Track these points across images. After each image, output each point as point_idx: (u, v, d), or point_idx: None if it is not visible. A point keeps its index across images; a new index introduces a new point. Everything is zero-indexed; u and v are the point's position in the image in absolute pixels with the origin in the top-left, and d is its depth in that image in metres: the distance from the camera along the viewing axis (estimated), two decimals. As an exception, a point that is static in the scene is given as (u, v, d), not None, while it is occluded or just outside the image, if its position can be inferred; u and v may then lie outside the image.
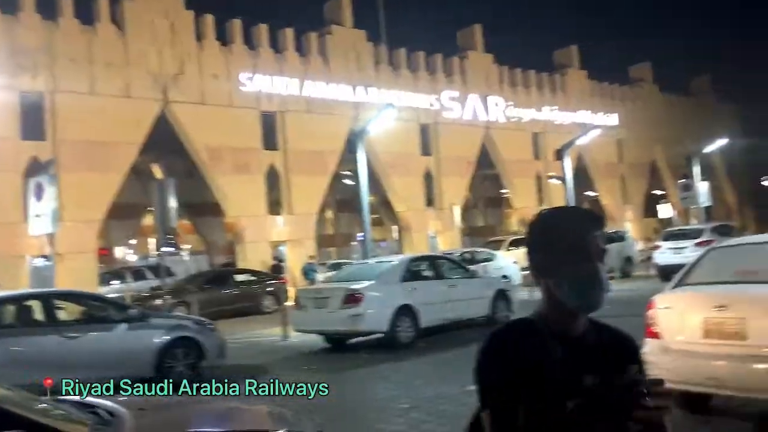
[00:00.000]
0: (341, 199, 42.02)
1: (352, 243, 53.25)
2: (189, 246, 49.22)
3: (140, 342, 9.17)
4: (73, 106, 21.25)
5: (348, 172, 38.34)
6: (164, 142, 25.47)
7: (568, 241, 1.66)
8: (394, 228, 39.29)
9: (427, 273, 12.89)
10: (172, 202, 12.84)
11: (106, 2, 22.56)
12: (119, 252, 44.24)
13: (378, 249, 48.13)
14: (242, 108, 25.32)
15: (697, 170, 27.25)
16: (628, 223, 42.17)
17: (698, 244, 18.80)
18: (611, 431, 1.60)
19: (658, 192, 45.64)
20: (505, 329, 1.75)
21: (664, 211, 42.94)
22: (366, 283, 11.47)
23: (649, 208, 44.68)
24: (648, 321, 5.75)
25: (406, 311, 11.53)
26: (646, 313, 5.83)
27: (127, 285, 26.93)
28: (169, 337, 9.38)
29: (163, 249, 15.54)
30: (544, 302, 1.73)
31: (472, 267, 19.30)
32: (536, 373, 1.63)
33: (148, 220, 48.09)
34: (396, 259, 12.86)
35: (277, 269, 25.23)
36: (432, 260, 13.52)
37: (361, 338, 12.12)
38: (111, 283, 26.69)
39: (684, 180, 27.69)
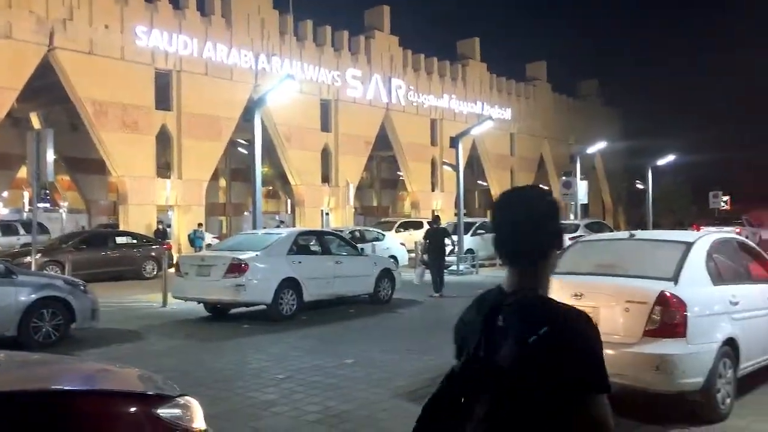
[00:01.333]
0: (236, 168, 41.14)
1: (245, 213, 52.34)
2: (67, 203, 46.53)
3: (3, 299, 8.66)
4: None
5: (244, 141, 37.65)
6: (47, 91, 23.92)
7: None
8: (289, 201, 39.03)
9: (314, 248, 12.96)
10: (50, 155, 12.11)
11: (-11, -68, 20.74)
12: (-10, 206, 41.16)
13: (271, 221, 47.77)
14: (135, 63, 24.12)
15: (578, 169, 28.87)
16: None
17: (571, 239, 20.01)
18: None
19: (545, 187, 48.03)
20: (486, 292, 1.82)
21: (548, 205, 45.14)
22: (251, 254, 11.37)
23: (535, 202, 46.82)
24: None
25: (290, 284, 11.56)
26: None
27: (-6, 240, 25.20)
28: (35, 296, 8.93)
29: (39, 204, 14.60)
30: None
31: (360, 245, 19.67)
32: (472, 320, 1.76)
33: (23, 173, 44.98)
34: (284, 232, 12.81)
35: (162, 234, 24.41)
36: (320, 236, 13.59)
37: (243, 309, 12.05)
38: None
39: (565, 177, 29.26)
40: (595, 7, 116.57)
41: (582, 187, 29.16)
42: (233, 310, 12.13)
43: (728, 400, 5.64)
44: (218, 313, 12.00)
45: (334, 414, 5.90)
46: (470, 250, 23.07)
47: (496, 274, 18.29)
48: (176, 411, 3.27)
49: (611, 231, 27.95)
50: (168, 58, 25.20)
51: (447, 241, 15.48)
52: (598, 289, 5.74)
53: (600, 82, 54.99)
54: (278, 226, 27.06)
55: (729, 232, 31.80)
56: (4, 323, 8.66)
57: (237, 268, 10.98)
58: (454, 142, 21.55)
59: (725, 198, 44.60)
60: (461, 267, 21.16)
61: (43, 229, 28.07)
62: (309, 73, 30.19)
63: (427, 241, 15.31)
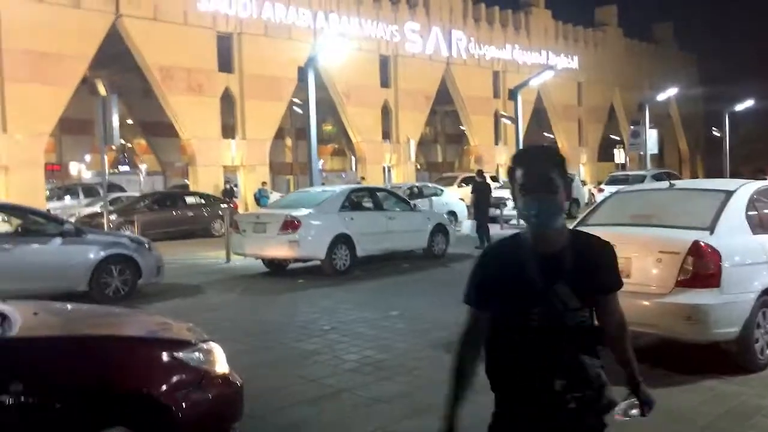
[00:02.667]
0: (301, 128, 41.38)
1: (318, 170, 53.24)
2: (146, 166, 48.54)
3: (74, 257, 9.30)
4: (18, 16, 20.42)
5: (300, 102, 38.09)
6: (120, 58, 24.80)
7: (519, 176, 2.08)
8: (353, 158, 39.36)
9: (367, 204, 13.17)
10: (115, 120, 12.70)
11: None
12: (74, 168, 43.40)
13: (337, 179, 48.43)
14: (197, 27, 24.67)
15: (647, 117, 27.80)
16: (582, 166, 43.06)
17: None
18: (564, 340, 2.08)
19: (616, 137, 46.50)
20: (496, 244, 2.22)
21: (619, 156, 43.87)
22: (305, 211, 11.69)
23: (606, 153, 45.61)
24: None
25: (343, 240, 11.84)
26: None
27: (78, 201, 26.67)
28: (104, 254, 9.52)
29: (119, 167, 15.37)
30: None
31: (419, 201, 19.78)
32: (513, 281, 2.09)
33: (102, 138, 47.20)
34: (337, 189, 13.07)
35: (230, 193, 25.24)
36: (373, 192, 13.77)
37: (299, 264, 12.46)
38: (62, 198, 26.40)
39: (633, 126, 28.25)
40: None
41: (651, 136, 28.11)
42: (290, 266, 12.56)
43: (768, 351, 5.54)
44: (276, 268, 12.45)
45: (371, 363, 6.15)
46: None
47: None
48: (197, 355, 3.55)
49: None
50: (228, 21, 25.63)
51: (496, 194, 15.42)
52: (631, 240, 5.68)
53: (675, 25, 52.25)
54: (359, 182, 27.35)
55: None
56: (76, 279, 9.31)
57: (290, 224, 11.32)
58: (512, 94, 21.17)
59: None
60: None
61: (122, 191, 29.62)
62: (367, 29, 30.04)
63: (474, 195, 15.37)
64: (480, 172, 16.69)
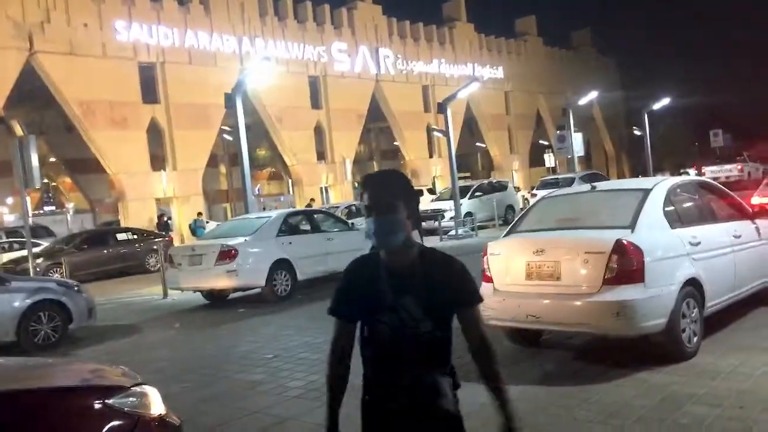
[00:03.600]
0: (234, 154, 41.01)
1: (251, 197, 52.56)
2: (73, 204, 46.89)
3: (-2, 307, 8.89)
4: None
5: (229, 128, 37.65)
6: (37, 95, 24.00)
7: (365, 199, 2.32)
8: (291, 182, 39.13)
9: (304, 227, 13.09)
10: (35, 160, 12.25)
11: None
12: (-4, 212, 41.55)
13: (276, 203, 47.97)
14: (117, 59, 24.13)
15: (571, 121, 28.73)
16: (514, 172, 44.08)
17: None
18: (407, 345, 2.26)
19: (545, 143, 47.83)
20: (358, 259, 2.45)
21: (549, 160, 45.12)
22: (241, 239, 11.54)
23: (537, 158, 46.82)
24: (482, 266, 6.27)
25: (282, 265, 11.73)
26: (482, 259, 6.35)
27: (2, 249, 25.50)
28: (30, 301, 9.13)
29: (45, 208, 14.67)
30: None
31: (358, 220, 19.78)
32: (367, 294, 2.31)
33: (25, 179, 45.37)
34: (273, 214, 12.95)
35: (165, 226, 24.67)
36: (309, 214, 13.72)
37: (240, 293, 12.26)
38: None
39: (559, 131, 29.15)
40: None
41: (577, 140, 29.06)
42: (231, 295, 12.35)
43: (695, 339, 5.76)
44: (216, 299, 12.21)
45: (316, 388, 6.07)
46: (469, 213, 23.18)
47: (495, 235, 18.39)
48: (131, 400, 3.44)
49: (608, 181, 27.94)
50: (150, 51, 25.20)
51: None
52: (558, 244, 5.85)
53: (592, 31, 54.34)
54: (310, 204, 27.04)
55: (730, 170, 31.62)
56: (2, 329, 8.89)
57: (227, 254, 11.15)
58: (441, 108, 21.51)
59: (726, 136, 44.30)
60: (460, 231, 21.30)
61: (48, 233, 28.49)
62: (293, 51, 30.09)
63: None
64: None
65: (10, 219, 40.31)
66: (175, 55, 25.83)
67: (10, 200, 42.47)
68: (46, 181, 48.19)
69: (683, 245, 5.81)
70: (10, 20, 21.41)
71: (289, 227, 12.54)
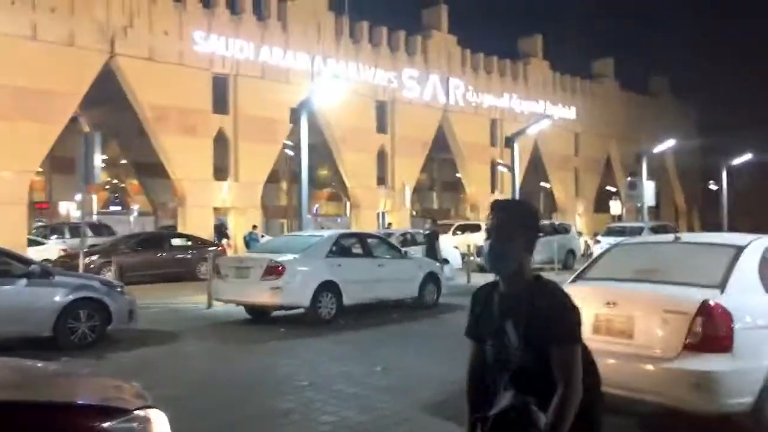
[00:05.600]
0: (296, 171, 41.37)
1: (308, 216, 52.86)
2: (138, 206, 48.11)
3: (39, 300, 8.76)
4: (11, 52, 20.24)
5: (291, 144, 37.85)
6: (114, 97, 24.60)
7: (488, 224, 2.41)
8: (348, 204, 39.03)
9: (355, 250, 12.68)
10: (97, 159, 12.32)
11: (53, -55, 21.50)
12: (63, 207, 42.98)
13: (332, 224, 48.00)
14: (193, 68, 24.55)
15: (644, 169, 27.58)
16: (578, 216, 42.76)
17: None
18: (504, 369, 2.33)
19: (612, 189, 46.32)
20: (481, 286, 2.55)
21: (615, 207, 43.63)
22: (290, 256, 11.20)
23: (602, 204, 45.36)
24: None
25: (329, 287, 11.31)
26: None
27: (63, 241, 26.13)
28: (72, 297, 8.98)
29: (111, 207, 14.84)
30: None
31: (412, 248, 19.27)
32: (482, 316, 2.44)
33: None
34: (325, 234, 12.59)
35: (223, 235, 24.66)
36: (362, 237, 13.29)
37: (283, 312, 11.89)
38: (48, 238, 25.86)
39: (630, 178, 28.02)
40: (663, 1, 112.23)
41: (649, 188, 27.86)
42: (274, 313, 11.99)
43: (785, 424, 4.99)
44: (258, 315, 11.87)
45: (348, 425, 5.57)
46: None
47: (553, 280, 17.52)
48: (131, 425, 3.01)
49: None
50: (225, 63, 25.56)
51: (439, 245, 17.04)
52: (633, 297, 5.20)
53: (671, 78, 52.71)
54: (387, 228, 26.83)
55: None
56: (40, 324, 8.75)
57: (274, 270, 10.81)
58: (509, 142, 20.94)
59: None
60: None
61: (110, 232, 29.09)
62: (364, 74, 30.06)
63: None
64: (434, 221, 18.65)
65: (76, 215, 41.62)
66: (248, 69, 26.14)
67: (78, 197, 43.88)
68: (115, 181, 49.82)
69: (780, 314, 5.06)
70: (94, 22, 22.08)
71: (340, 249, 12.15)
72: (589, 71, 45.68)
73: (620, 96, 46.02)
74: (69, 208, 42.46)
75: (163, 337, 9.91)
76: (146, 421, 3.09)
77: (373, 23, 31.45)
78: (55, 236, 26.37)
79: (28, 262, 9.27)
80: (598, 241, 23.61)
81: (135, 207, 48.49)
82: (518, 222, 2.37)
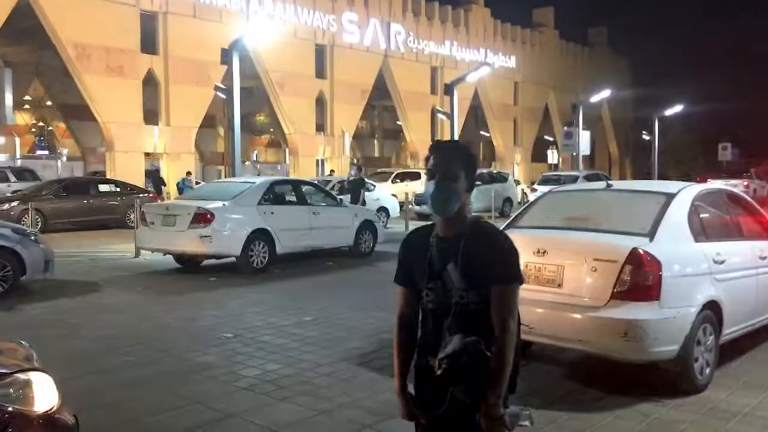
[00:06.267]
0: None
1: (246, 163, 51.57)
2: (66, 151, 45.91)
3: (-58, 249, 8.12)
4: None
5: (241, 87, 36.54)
6: (37, 34, 22.94)
7: (429, 164, 2.38)
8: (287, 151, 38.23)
9: (289, 198, 12.31)
10: (8, 98, 11.41)
11: None
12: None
13: (272, 171, 47.05)
14: (119, 3, 23.07)
15: (580, 119, 27.89)
16: (516, 165, 43.27)
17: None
18: (447, 311, 2.31)
19: (550, 138, 46.95)
20: (416, 228, 2.54)
21: (552, 156, 44.32)
22: (219, 203, 10.74)
23: (540, 153, 45.98)
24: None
25: (261, 235, 10.96)
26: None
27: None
28: (-21, 246, 8.37)
29: (37, 152, 13.90)
30: None
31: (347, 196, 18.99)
32: (418, 261, 2.39)
33: (19, 118, 44.31)
34: (257, 180, 12.15)
35: (159, 181, 23.63)
36: (296, 184, 12.92)
37: (214, 261, 11.50)
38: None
39: (566, 128, 28.31)
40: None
41: (584, 138, 28.23)
42: (205, 262, 11.59)
43: (708, 370, 5.05)
44: (188, 264, 11.46)
45: (271, 380, 5.35)
46: (465, 202, 22.41)
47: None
48: (8, 390, 2.69)
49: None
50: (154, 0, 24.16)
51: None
52: (563, 245, 5.09)
53: (609, 30, 53.22)
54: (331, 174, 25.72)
55: (735, 185, 31.00)
56: (-55, 274, 8.14)
57: (202, 218, 10.37)
58: (448, 89, 20.66)
59: (734, 150, 43.52)
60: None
61: (34, 177, 27.59)
62: (303, 17, 29.05)
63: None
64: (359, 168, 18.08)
65: (0, 159, 39.40)
66: (179, 6, 24.78)
67: (1, 140, 41.53)
68: (41, 124, 47.27)
69: (706, 262, 5.06)
70: (6, -49, 20.39)
71: (273, 196, 11.75)
72: (529, 20, 45.57)
73: (559, 46, 46.24)
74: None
75: (82, 288, 9.41)
76: (26, 384, 2.77)
77: (313, -37, 30.25)
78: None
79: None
80: (534, 190, 23.87)
81: (63, 151, 46.27)
82: (459, 163, 2.35)
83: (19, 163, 37.43)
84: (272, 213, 11.29)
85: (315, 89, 30.31)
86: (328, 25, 30.14)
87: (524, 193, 29.04)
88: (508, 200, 25.84)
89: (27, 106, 42.83)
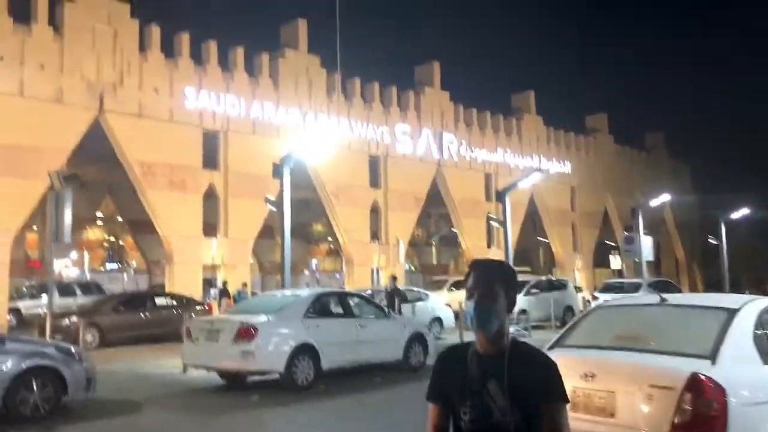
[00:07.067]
0: (291, 227, 40.96)
1: (305, 272, 52.08)
2: (135, 264, 47.60)
3: (-14, 369, 8.14)
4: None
5: (298, 198, 37.53)
6: (109, 154, 24.36)
7: (468, 282, 2.42)
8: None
9: (335, 310, 12.08)
10: (68, 216, 11.86)
11: (44, 2, 21.59)
12: (57, 265, 42.43)
13: (331, 280, 47.20)
14: (183, 124, 24.40)
15: (640, 223, 27.12)
16: (577, 271, 42.11)
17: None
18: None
19: (611, 243, 45.77)
20: (451, 345, 2.57)
21: (615, 262, 43.01)
22: (263, 317, 10.60)
23: (603, 258, 44.73)
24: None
25: (306, 350, 10.67)
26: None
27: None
28: (23, 366, 8.36)
29: (106, 266, 14.11)
30: None
31: (405, 305, 18.63)
32: (456, 378, 2.36)
33: (91, 234, 46.49)
34: (302, 293, 12.01)
35: (225, 293, 23.83)
36: (342, 297, 12.71)
37: (259, 377, 11.22)
38: (37, 297, 25.30)
39: (626, 233, 27.52)
40: (659, 56, 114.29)
41: (646, 243, 27.32)
42: (251, 378, 11.31)
43: None
44: (233, 381, 11.20)
45: None
46: (523, 311, 21.69)
47: (550, 337, 16.78)
48: None
49: (680, 292, 25.86)
50: (216, 119, 25.46)
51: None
52: (614, 369, 4.62)
53: (666, 134, 52.84)
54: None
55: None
56: (-12, 394, 8.12)
57: (246, 332, 10.20)
58: (500, 197, 20.54)
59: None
60: (512, 329, 19.69)
61: (99, 290, 28.44)
62: (357, 130, 30.00)
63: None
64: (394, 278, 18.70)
65: (72, 273, 41.09)
66: (239, 125, 26.03)
67: (74, 255, 43.44)
68: (112, 239, 49.50)
69: (780, 387, 4.48)
70: (84, 79, 22.01)
71: (318, 309, 11.55)
72: (582, 126, 45.83)
73: (615, 150, 46.05)
74: (62, 267, 41.98)
75: (122, 408, 9.24)
76: None
77: (366, 80, 31.59)
78: (45, 295, 25.78)
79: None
80: (595, 298, 22.95)
81: (132, 264, 47.96)
82: (498, 282, 2.39)
83: (88, 277, 38.98)
84: (317, 326, 11.06)
85: (369, 199, 30.77)
86: (381, 137, 30.99)
87: (586, 302, 27.98)
88: (570, 309, 24.87)
89: (99, 222, 45.08)
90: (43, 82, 21.14)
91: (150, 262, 41.48)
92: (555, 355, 5.04)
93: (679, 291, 26.14)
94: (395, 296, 16.75)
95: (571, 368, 4.78)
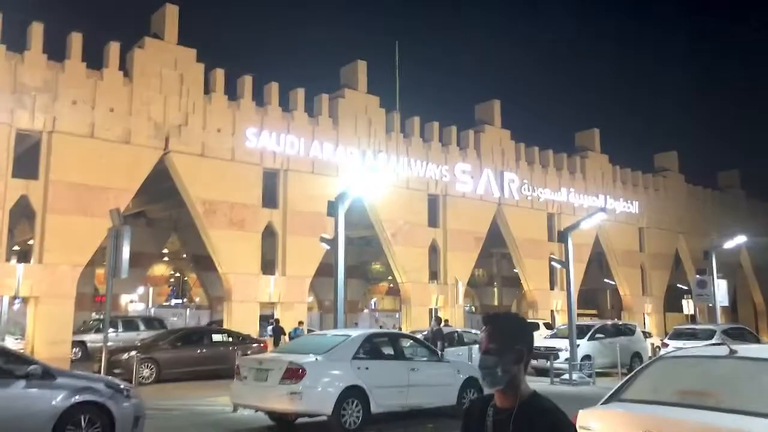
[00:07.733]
0: (351, 265, 41.03)
1: (365, 311, 51.88)
2: (197, 299, 48.60)
3: (35, 403, 8.19)
4: (68, 148, 21.04)
5: (358, 237, 37.62)
6: (173, 192, 25.07)
7: (480, 336, 2.52)
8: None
9: (386, 351, 11.75)
10: (126, 252, 12.06)
11: (116, 49, 22.62)
12: (123, 300, 43.74)
13: (390, 319, 46.81)
14: (244, 163, 24.87)
15: (714, 266, 25.69)
16: (646, 316, 40.33)
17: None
18: None
19: (684, 287, 43.74)
20: (477, 396, 3.35)
21: (688, 307, 40.96)
22: (311, 358, 10.38)
23: (675, 303, 42.72)
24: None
25: (355, 393, 10.38)
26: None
27: (116, 335, 26.17)
28: (71, 401, 8.39)
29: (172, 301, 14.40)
30: None
31: (459, 348, 18.12)
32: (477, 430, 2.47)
33: (157, 270, 47.80)
34: (352, 334, 11.76)
35: (281, 332, 23.92)
36: (394, 338, 12.37)
37: (308, 419, 10.96)
38: (102, 331, 25.90)
39: (699, 276, 26.13)
40: (730, 93, 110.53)
41: (721, 287, 25.84)
42: (300, 420, 11.07)
43: None
44: (283, 422, 10.98)
45: None
46: (587, 357, 20.74)
47: (615, 385, 15.88)
48: None
49: (757, 340, 24.25)
50: (276, 158, 25.84)
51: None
52: (677, 428, 4.15)
53: (741, 172, 50.54)
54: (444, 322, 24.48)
55: None
56: (36, 430, 8.14)
57: (294, 373, 10.00)
58: (562, 237, 19.85)
59: None
60: (575, 376, 18.88)
61: (161, 325, 29.01)
62: (416, 169, 29.89)
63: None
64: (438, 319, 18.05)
65: (138, 308, 42.22)
66: (298, 164, 26.34)
67: (141, 290, 44.67)
68: (177, 275, 50.82)
69: None
70: (151, 121, 22.81)
71: (368, 350, 11.26)
72: (649, 164, 44.42)
73: (686, 190, 44.32)
74: (128, 301, 43.20)
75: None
76: None
77: (425, 119, 31.58)
78: (111, 329, 26.46)
79: (29, 361, 8.78)
80: (665, 345, 21.71)
81: (195, 300, 48.99)
82: (507, 335, 2.41)
83: (152, 312, 39.92)
84: (367, 368, 10.76)
85: (428, 238, 30.43)
86: (441, 176, 30.77)
87: (656, 348, 26.60)
88: (637, 356, 23.62)
89: (166, 259, 46.33)
90: (113, 124, 22.00)
91: (212, 297, 42.25)
92: (611, 411, 4.61)
93: (757, 339, 24.48)
94: (437, 339, 15.92)
95: (627, 425, 4.35)
